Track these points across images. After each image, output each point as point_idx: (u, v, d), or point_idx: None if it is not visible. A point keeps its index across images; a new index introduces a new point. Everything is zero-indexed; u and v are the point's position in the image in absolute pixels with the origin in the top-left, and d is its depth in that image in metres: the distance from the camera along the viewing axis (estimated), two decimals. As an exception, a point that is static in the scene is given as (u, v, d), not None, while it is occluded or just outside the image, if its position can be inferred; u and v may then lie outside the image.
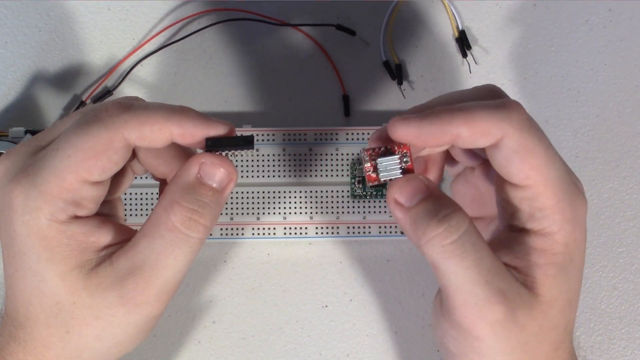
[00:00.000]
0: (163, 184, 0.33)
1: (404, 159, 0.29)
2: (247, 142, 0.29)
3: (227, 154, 0.29)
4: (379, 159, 0.29)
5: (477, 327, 0.28)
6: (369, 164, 0.29)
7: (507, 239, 0.29)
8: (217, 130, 0.29)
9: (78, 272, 0.28)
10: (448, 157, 0.34)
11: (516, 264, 0.29)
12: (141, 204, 0.40)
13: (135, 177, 0.35)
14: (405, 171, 0.29)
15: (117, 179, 0.32)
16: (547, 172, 0.28)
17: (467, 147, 0.29)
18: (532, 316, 0.28)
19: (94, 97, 0.42)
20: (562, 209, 0.28)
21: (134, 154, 0.31)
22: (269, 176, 0.41)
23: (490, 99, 0.29)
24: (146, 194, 0.40)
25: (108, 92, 0.42)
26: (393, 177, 0.29)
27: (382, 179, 0.29)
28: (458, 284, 0.27)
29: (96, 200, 0.29)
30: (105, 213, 0.32)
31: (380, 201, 0.41)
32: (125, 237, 0.30)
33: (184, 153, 0.32)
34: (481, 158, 0.32)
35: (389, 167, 0.29)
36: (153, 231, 0.28)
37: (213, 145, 0.29)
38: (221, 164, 0.29)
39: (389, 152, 0.29)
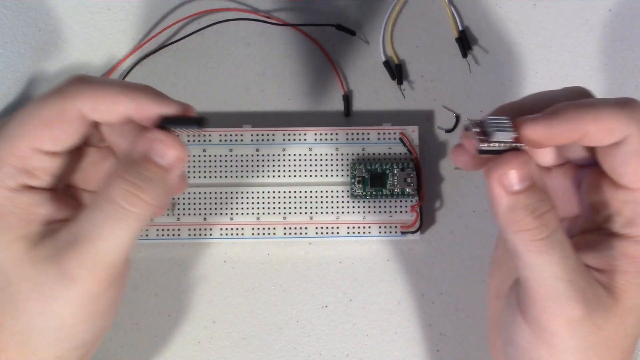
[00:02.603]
0: None
1: (512, 127, 0.27)
2: (197, 122, 0.28)
3: (179, 135, 0.29)
4: (487, 118, 0.27)
5: (554, 323, 0.28)
6: (477, 129, 0.27)
7: (595, 242, 0.29)
8: (171, 108, 0.28)
9: (23, 242, 0.28)
10: None
11: (602, 267, 0.28)
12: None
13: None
14: (514, 142, 0.27)
15: (102, 169, 0.32)
16: None
17: (590, 145, 0.28)
18: (608, 319, 0.28)
19: (94, 97, 0.42)
20: None
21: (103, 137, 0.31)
22: (268, 176, 0.41)
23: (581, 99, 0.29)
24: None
25: (108, 92, 0.42)
26: (506, 140, 0.27)
27: (494, 140, 0.27)
28: (542, 278, 0.27)
29: (51, 172, 0.29)
30: (71, 197, 0.32)
31: (380, 201, 0.41)
32: (77, 213, 0.29)
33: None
34: (564, 159, 0.31)
35: (502, 126, 0.27)
36: (94, 204, 0.28)
37: (165, 122, 0.28)
38: (169, 140, 0.28)
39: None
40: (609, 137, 0.27)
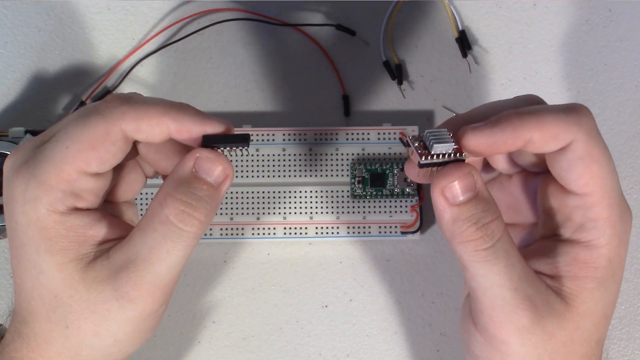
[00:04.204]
0: None
1: (452, 140, 0.28)
2: (242, 140, 0.29)
3: (222, 151, 0.29)
4: (426, 131, 0.27)
5: (503, 331, 0.28)
6: (417, 143, 0.28)
7: (548, 248, 0.29)
8: (214, 127, 0.29)
9: (75, 264, 0.28)
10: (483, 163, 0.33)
11: (554, 273, 0.29)
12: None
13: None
14: (457, 152, 0.28)
15: (128, 180, 0.32)
16: (606, 183, 0.28)
17: (535, 152, 0.28)
18: (561, 326, 0.28)
19: (94, 97, 0.42)
20: (613, 223, 0.28)
21: (137, 152, 0.31)
22: (269, 176, 0.41)
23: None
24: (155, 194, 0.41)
25: (108, 92, 0.42)
26: (446, 152, 0.27)
27: (433, 153, 0.27)
28: (487, 288, 0.27)
29: (96, 192, 0.29)
30: (116, 216, 0.32)
31: (380, 201, 0.41)
32: (125, 232, 0.29)
33: (185, 149, 0.31)
34: (520, 166, 0.31)
35: (441, 138, 0.27)
36: (147, 225, 0.28)
37: (209, 141, 0.29)
38: (217, 158, 0.29)
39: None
40: (553, 144, 0.28)
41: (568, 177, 0.28)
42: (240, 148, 0.29)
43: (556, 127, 0.27)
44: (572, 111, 0.28)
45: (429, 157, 0.27)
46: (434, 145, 0.27)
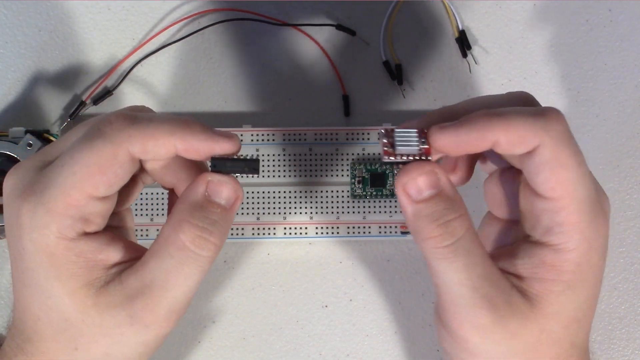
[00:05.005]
0: (171, 193, 0.33)
1: (422, 139, 0.28)
2: (252, 168, 0.29)
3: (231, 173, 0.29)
4: (396, 130, 0.28)
5: (463, 330, 0.28)
6: (385, 140, 0.28)
7: (519, 249, 0.29)
8: (222, 146, 0.29)
9: (87, 289, 0.28)
10: (480, 155, 0.33)
11: (521, 274, 0.29)
12: (144, 205, 0.40)
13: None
14: (423, 153, 0.28)
15: (125, 190, 0.32)
16: (574, 189, 0.28)
17: (504, 153, 0.29)
18: (525, 326, 0.28)
19: (94, 97, 0.42)
20: (582, 228, 0.28)
21: (141, 165, 0.31)
22: (269, 176, 0.41)
23: (523, 106, 0.29)
24: (150, 194, 0.40)
25: (108, 92, 0.42)
26: (410, 153, 0.28)
27: (397, 153, 0.28)
28: (447, 285, 0.28)
29: (103, 215, 0.29)
30: (114, 225, 0.32)
31: (380, 201, 0.41)
32: (135, 255, 0.29)
33: (191, 163, 0.31)
34: (507, 162, 0.31)
35: (408, 139, 0.28)
36: (162, 250, 0.28)
37: (218, 166, 0.29)
38: (228, 180, 0.29)
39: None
40: (520, 147, 0.28)
41: (536, 180, 0.28)
42: (250, 174, 0.29)
43: (522, 130, 0.27)
44: (541, 115, 0.28)
45: (393, 157, 0.28)
46: (398, 147, 0.28)
